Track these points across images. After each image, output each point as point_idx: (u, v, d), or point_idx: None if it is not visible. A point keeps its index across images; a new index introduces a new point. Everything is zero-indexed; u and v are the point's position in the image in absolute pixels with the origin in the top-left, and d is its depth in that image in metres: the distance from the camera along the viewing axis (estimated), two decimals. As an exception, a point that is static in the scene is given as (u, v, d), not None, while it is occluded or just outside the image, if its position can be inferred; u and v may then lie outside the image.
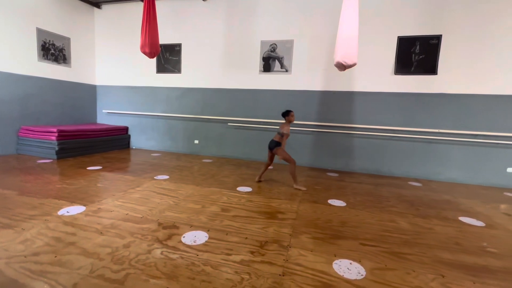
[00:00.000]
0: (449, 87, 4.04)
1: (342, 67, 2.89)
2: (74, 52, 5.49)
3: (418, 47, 4.12)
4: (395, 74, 4.24)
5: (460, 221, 2.52)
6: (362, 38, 4.26)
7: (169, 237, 1.88)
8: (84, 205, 2.39)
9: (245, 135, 5.12)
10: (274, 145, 3.28)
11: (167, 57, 5.46)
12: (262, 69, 4.91)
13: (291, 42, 4.70)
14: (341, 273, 1.56)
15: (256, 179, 3.56)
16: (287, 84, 4.79)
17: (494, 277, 1.61)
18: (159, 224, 2.08)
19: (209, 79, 5.25)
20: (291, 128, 4.72)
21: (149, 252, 1.67)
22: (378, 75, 4.33)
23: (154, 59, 5.51)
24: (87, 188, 2.91)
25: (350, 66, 2.86)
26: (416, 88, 4.17)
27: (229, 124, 5.17)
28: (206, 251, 1.71)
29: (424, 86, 4.13)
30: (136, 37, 5.36)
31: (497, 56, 3.82)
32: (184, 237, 1.89)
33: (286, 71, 4.79)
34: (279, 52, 4.78)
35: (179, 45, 5.34)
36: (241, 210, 2.47)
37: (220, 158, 5.13)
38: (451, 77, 4.01)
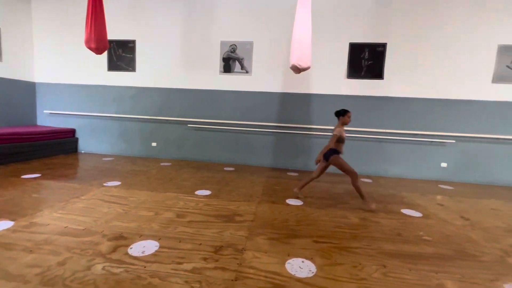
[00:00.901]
0: (394, 91, 4.43)
1: (297, 69, 2.98)
2: (7, 45, 4.81)
3: (367, 53, 4.45)
4: (347, 78, 4.52)
5: (402, 213, 2.76)
6: (319, 43, 4.47)
7: (114, 249, 1.72)
8: (13, 220, 2.08)
9: (206, 136, 5.00)
10: (330, 154, 2.81)
11: (120, 54, 5.08)
12: (222, 69, 4.85)
13: (250, 44, 4.72)
14: (293, 272, 1.58)
15: (295, 190, 3.07)
16: (248, 85, 4.80)
17: (427, 262, 1.79)
18: (104, 236, 1.90)
19: (167, 78, 5.01)
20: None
21: (88, 268, 1.51)
22: (333, 78, 4.57)
23: (105, 56, 5.09)
24: (20, 199, 2.55)
25: (304, 69, 2.96)
26: (366, 91, 4.50)
27: (189, 125, 5.00)
28: (155, 262, 1.61)
29: (373, 89, 4.47)
30: (83, 30, 4.89)
31: (435, 63, 4.30)
32: (131, 248, 1.75)
33: (247, 72, 4.80)
34: (239, 53, 4.77)
35: (133, 42, 5.02)
36: (198, 215, 2.39)
37: (180, 161, 4.93)
38: (395, 82, 4.41)
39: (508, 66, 4.10)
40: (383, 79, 4.44)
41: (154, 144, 5.17)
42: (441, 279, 1.60)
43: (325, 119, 4.63)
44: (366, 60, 4.46)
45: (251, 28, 4.68)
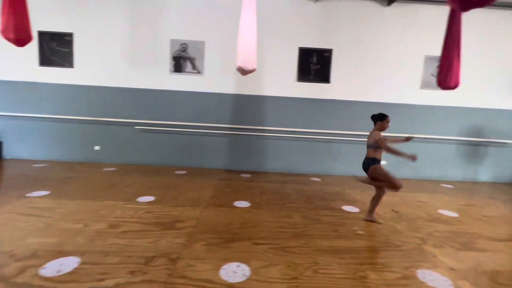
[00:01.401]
0: (340, 94, 4.72)
1: (243, 71, 2.98)
2: None
3: (315, 58, 4.67)
4: (297, 81, 4.69)
5: (343, 209, 2.94)
6: (270, 47, 4.56)
7: (22, 271, 1.50)
8: None
9: (157, 139, 4.74)
10: (368, 164, 2.53)
11: (54, 48, 4.55)
12: (173, 69, 4.65)
13: (202, 44, 4.61)
14: (226, 278, 1.55)
15: (365, 218, 2.63)
16: (200, 86, 4.68)
17: (356, 255, 1.91)
18: (11, 256, 1.65)
19: (111, 76, 4.63)
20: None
21: (-19, 297, 1.29)
22: (284, 81, 4.69)
23: (34, 49, 4.51)
24: None
25: (250, 71, 2.97)
26: (315, 94, 4.71)
27: (136, 127, 4.69)
28: (71, 281, 1.44)
29: (321, 92, 4.71)
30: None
31: (373, 70, 4.69)
32: (44, 268, 1.55)
33: (199, 72, 4.67)
34: (191, 52, 4.63)
35: (70, 35, 4.53)
36: (135, 224, 2.23)
37: (126, 166, 4.59)
38: (340, 86, 4.70)
39: (432, 74, 4.66)
40: (330, 83, 4.70)
41: (97, 147, 4.73)
42: (365, 271, 1.72)
43: (277, 120, 4.73)
44: (314, 64, 4.68)
45: (202, 27, 4.57)
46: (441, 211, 3.05)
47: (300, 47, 4.63)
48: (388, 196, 3.56)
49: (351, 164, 4.83)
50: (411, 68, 4.68)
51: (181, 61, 4.65)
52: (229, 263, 1.71)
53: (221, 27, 4.56)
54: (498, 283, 1.66)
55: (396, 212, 2.95)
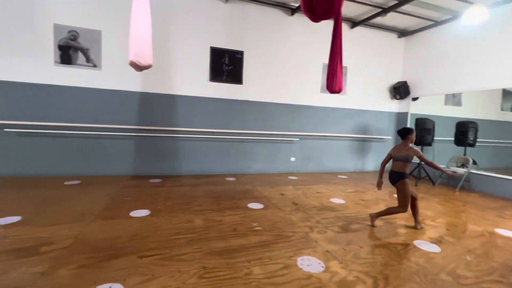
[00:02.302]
0: (252, 95, 4.89)
1: (137, 67, 2.70)
2: None
3: (227, 59, 4.70)
4: (210, 81, 4.62)
5: (248, 207, 3.02)
6: (181, 45, 4.36)
7: None
8: None
9: (37, 144, 3.89)
10: (398, 177, 2.50)
11: None
12: (59, 60, 3.90)
13: (98, 33, 4.02)
14: (88, 305, 1.33)
15: (418, 226, 2.60)
16: (98, 82, 4.08)
17: (247, 252, 1.95)
18: None
19: (-37, 64, 3.55)
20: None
21: None
22: (196, 81, 4.55)
23: None
24: None
25: (145, 67, 2.72)
26: (228, 95, 4.74)
27: (6, 130, 3.73)
28: None
29: (234, 93, 4.77)
30: None
31: (281, 73, 5.03)
32: None
33: (95, 66, 4.06)
34: (83, 42, 3.97)
35: None
36: (-26, 256, 1.71)
37: (-9, 179, 3.61)
38: (252, 87, 4.88)
39: (329, 80, 5.33)
40: (242, 84, 4.81)
41: None
42: (251, 267, 1.76)
43: (190, 121, 4.56)
44: (227, 65, 4.71)
45: (98, 14, 3.99)
46: (332, 199, 3.49)
47: (212, 47, 4.58)
48: (293, 190, 3.88)
49: (265, 162, 5.08)
50: (312, 73, 5.23)
51: (70, 51, 3.94)
52: (100, 286, 1.48)
53: (122, 15, 4.06)
54: (359, 258, 1.97)
55: (296, 204, 3.22)
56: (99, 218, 2.47)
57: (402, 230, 2.55)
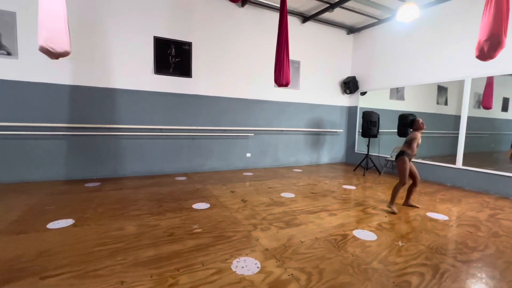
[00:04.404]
0: (202, 89, 4.64)
1: (51, 54, 2.31)
2: None
3: (173, 50, 4.38)
4: (155, 73, 4.27)
5: (192, 208, 2.82)
6: (119, 33, 3.92)
7: None
8: None
9: None
10: (398, 154, 2.91)
11: None
12: (-42, 45, 3.22)
13: (12, 15, 3.42)
14: None
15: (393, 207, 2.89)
16: (14, 73, 3.48)
17: (178, 259, 1.77)
18: None
19: None
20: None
21: None
22: (139, 73, 4.16)
23: None
24: None
25: (61, 54, 2.34)
26: (176, 88, 4.44)
27: None
28: None
29: (182, 87, 4.48)
30: None
31: (234, 67, 4.85)
32: None
33: (9, 54, 3.45)
34: (-9, 25, 3.34)
35: None
36: None
37: None
38: (203, 81, 4.63)
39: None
40: (191, 77, 4.53)
41: None
42: (177, 276, 1.59)
43: (134, 117, 4.17)
44: (174, 57, 4.39)
45: (9, -7, 3.38)
46: (283, 194, 3.46)
47: (155, 36, 4.21)
48: (243, 187, 3.77)
49: (219, 159, 4.90)
50: (265, 68, 5.13)
51: (-26, 35, 3.28)
52: (-27, 323, 1.18)
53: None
54: (298, 253, 1.91)
55: (244, 201, 3.11)
56: (3, 233, 2.07)
57: (344, 220, 2.59)
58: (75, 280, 1.52)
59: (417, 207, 3.05)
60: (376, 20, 5.38)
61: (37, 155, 3.66)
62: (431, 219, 2.72)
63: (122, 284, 1.50)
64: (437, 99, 5.09)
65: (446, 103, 4.99)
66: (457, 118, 4.34)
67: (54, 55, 2.32)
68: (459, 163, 4.26)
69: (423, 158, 4.86)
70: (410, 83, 5.01)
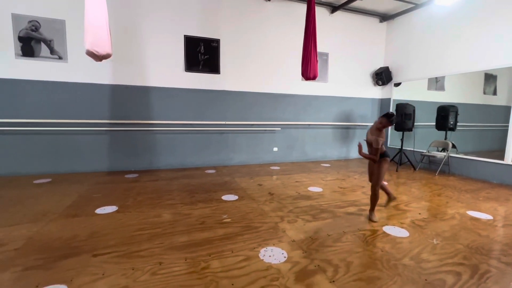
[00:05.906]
0: (230, 85, 4.75)
1: (95, 57, 2.55)
2: None
3: (202, 47, 4.53)
4: (186, 71, 4.46)
5: (221, 199, 2.95)
6: (152, 33, 4.16)
7: None
8: None
9: (3, 141, 3.71)
10: (382, 155, 2.37)
11: None
12: (20, 52, 3.68)
13: (61, 23, 3.80)
14: (24, 310, 1.25)
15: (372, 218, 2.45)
16: (64, 75, 3.88)
17: (210, 246, 1.89)
18: None
19: None
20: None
21: None
22: (170, 71, 4.38)
23: None
24: None
25: (104, 57, 2.57)
26: (205, 85, 4.60)
27: (-33, 128, 3.54)
28: None
29: (211, 83, 4.63)
30: None
31: (261, 62, 4.88)
32: None
33: (60, 58, 3.85)
34: (45, 33, 3.75)
35: None
36: None
37: (-46, 181, 3.44)
38: (230, 77, 4.73)
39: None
40: (220, 73, 4.66)
41: None
42: (209, 261, 1.70)
43: (167, 113, 4.42)
44: (203, 54, 4.54)
45: (60, 3, 3.75)
46: (310, 188, 3.45)
47: (186, 35, 4.39)
48: (270, 180, 3.82)
49: (246, 153, 5.00)
50: (292, 61, 5.06)
51: (32, 43, 3.72)
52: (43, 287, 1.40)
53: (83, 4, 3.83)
54: (325, 246, 1.93)
55: (271, 194, 3.16)
56: (61, 216, 2.37)
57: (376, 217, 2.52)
58: (121, 259, 1.71)
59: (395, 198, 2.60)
60: (413, 5, 5.01)
61: (85, 149, 4.07)
62: (472, 218, 2.53)
63: (160, 264, 1.65)
64: (484, 89, 4.63)
65: (495, 93, 4.53)
66: (507, 109, 3.92)
67: (98, 57, 2.56)
68: (508, 159, 3.86)
69: (466, 154, 4.48)
70: (452, 71, 4.61)
